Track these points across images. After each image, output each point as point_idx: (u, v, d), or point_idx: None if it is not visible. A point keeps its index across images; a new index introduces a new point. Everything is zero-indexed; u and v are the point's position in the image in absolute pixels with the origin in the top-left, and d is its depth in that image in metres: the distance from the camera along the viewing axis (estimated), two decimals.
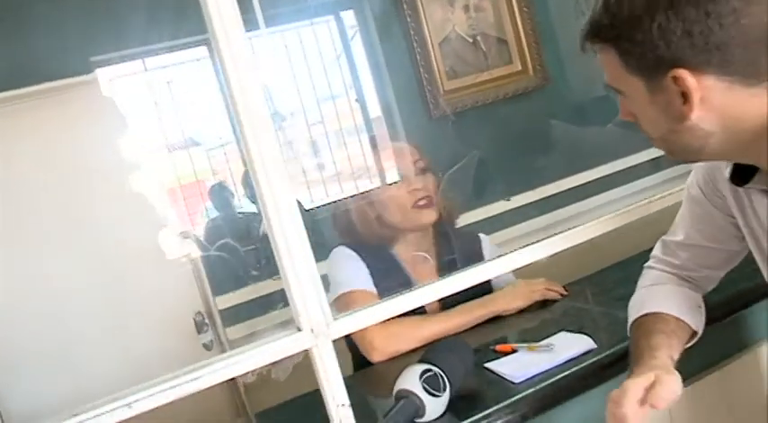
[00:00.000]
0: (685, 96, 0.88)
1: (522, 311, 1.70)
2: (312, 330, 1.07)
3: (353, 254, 1.76)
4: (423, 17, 3.12)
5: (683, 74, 0.86)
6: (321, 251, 2.58)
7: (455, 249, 1.81)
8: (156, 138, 3.35)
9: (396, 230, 1.78)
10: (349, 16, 3.41)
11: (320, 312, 1.08)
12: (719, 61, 0.85)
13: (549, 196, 3.14)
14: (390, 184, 1.96)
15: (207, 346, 2.82)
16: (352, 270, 1.73)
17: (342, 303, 1.67)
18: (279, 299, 2.80)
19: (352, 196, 2.05)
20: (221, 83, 3.21)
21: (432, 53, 3.13)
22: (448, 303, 1.66)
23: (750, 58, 0.85)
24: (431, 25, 3.14)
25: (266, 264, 3.20)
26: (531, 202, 3.10)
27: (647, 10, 0.86)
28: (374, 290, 1.68)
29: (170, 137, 3.46)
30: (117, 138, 2.75)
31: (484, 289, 1.75)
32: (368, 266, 1.74)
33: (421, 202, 1.75)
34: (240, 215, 3.51)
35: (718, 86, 0.87)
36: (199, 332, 2.83)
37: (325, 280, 1.72)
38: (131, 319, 2.66)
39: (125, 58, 3.00)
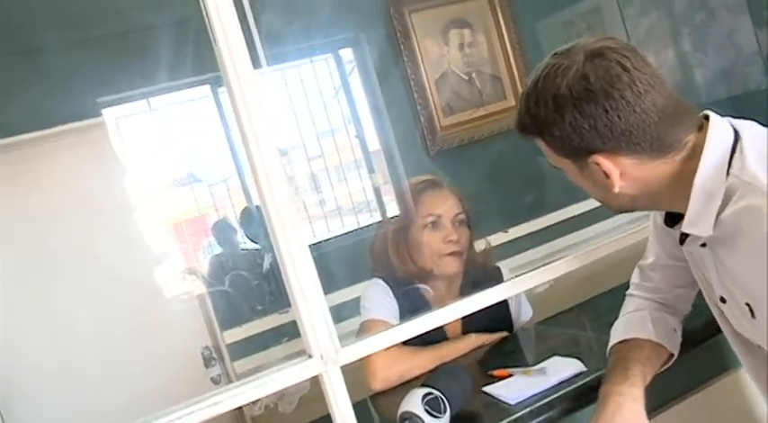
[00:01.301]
0: (607, 174, 1.05)
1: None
2: (322, 357, 1.16)
3: (386, 287, 1.84)
4: (419, 55, 3.25)
5: (600, 159, 1.04)
6: (325, 284, 2.67)
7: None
8: (159, 175, 3.44)
9: (425, 272, 1.84)
10: (347, 54, 3.53)
11: (329, 340, 1.16)
12: (627, 145, 1.02)
13: (546, 228, 3.23)
14: (392, 218, 2.04)
15: (215, 380, 2.88)
16: (380, 300, 1.82)
17: (364, 329, 1.76)
18: (285, 332, 2.87)
19: (378, 225, 2.10)
20: (224, 120, 3.32)
21: (428, 90, 3.25)
22: (469, 328, 1.80)
23: (652, 137, 1.02)
24: (427, 63, 3.26)
25: (271, 298, 3.28)
26: (527, 234, 3.19)
27: (558, 111, 1.02)
28: (396, 322, 1.75)
29: (173, 173, 3.55)
30: (123, 176, 2.84)
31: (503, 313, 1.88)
32: (398, 302, 1.82)
33: (451, 252, 1.82)
34: (243, 251, 3.58)
35: (632, 163, 1.04)
36: (206, 366, 2.89)
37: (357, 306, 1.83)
38: (139, 354, 2.71)
39: (130, 98, 3.09)
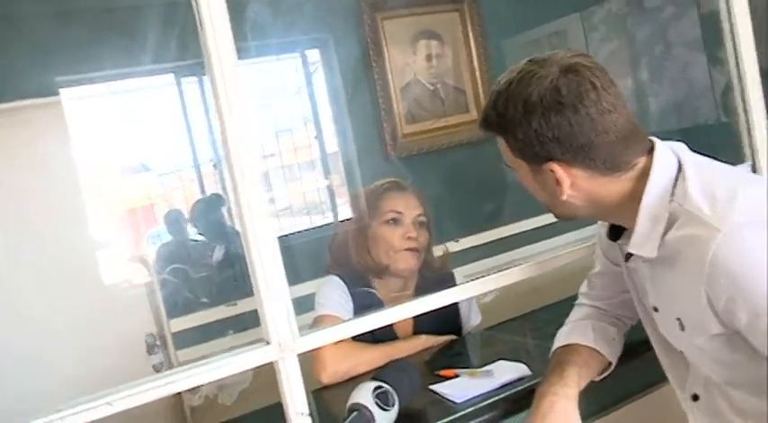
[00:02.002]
0: (558, 182, 1.11)
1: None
2: (279, 344, 1.18)
3: (342, 284, 1.88)
4: (387, 62, 3.29)
5: (555, 167, 1.11)
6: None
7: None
8: (111, 161, 3.40)
9: (381, 267, 1.89)
10: (314, 55, 3.55)
11: (288, 328, 1.19)
12: (583, 158, 1.09)
13: (496, 240, 3.30)
14: (343, 221, 2.08)
15: (156, 368, 2.86)
16: (335, 297, 1.86)
17: (317, 324, 1.79)
18: (231, 325, 2.88)
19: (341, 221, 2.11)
20: (185, 111, 3.31)
21: (393, 97, 3.30)
22: (420, 329, 1.86)
23: (606, 155, 1.09)
24: (394, 70, 3.31)
25: (218, 290, 3.27)
26: (478, 245, 3.25)
27: (525, 116, 1.08)
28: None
29: (125, 160, 3.51)
30: (75, 159, 2.80)
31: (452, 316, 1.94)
32: (352, 299, 1.86)
33: (409, 248, 1.87)
34: (194, 242, 3.57)
35: (584, 175, 1.11)
36: (149, 353, 2.87)
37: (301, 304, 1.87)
38: (80, 338, 2.68)
39: (90, 79, 3.05)
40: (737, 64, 1.76)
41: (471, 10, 3.49)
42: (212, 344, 2.88)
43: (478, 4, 3.51)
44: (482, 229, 3.27)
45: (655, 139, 1.15)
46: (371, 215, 1.90)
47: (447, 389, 1.43)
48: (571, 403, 1.22)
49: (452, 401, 1.38)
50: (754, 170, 1.81)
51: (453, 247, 3.14)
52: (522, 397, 1.37)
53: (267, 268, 1.16)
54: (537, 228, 3.27)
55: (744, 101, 1.78)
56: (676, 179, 1.09)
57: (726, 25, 1.75)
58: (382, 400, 1.27)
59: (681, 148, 1.15)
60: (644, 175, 1.10)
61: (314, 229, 3.73)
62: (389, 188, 1.94)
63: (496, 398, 1.38)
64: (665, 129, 3.57)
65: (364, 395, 1.27)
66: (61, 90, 2.83)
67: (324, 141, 3.65)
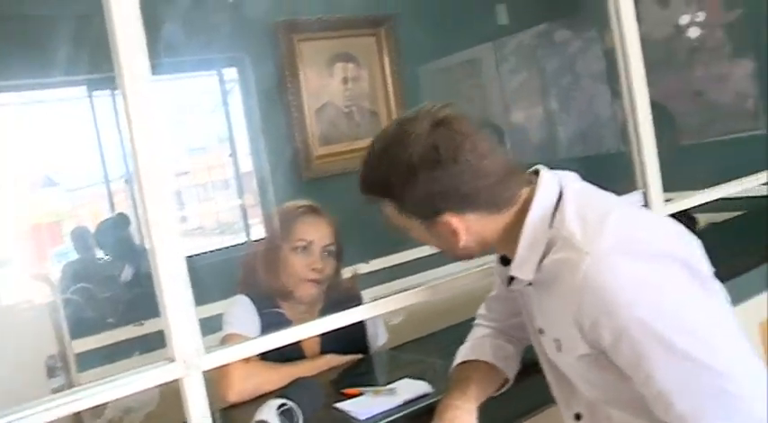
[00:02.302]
0: (454, 232, 1.16)
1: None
2: (184, 361, 1.19)
3: (250, 303, 1.88)
4: (302, 84, 3.33)
5: (448, 218, 1.15)
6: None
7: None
8: (16, 173, 3.30)
9: (286, 291, 1.89)
10: (232, 73, 3.55)
11: (193, 345, 1.19)
12: (471, 204, 1.15)
13: (406, 262, 3.35)
14: (257, 241, 2.08)
15: (56, 391, 2.76)
16: (242, 315, 1.85)
17: (225, 342, 1.78)
18: (138, 346, 2.81)
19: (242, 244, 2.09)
20: (96, 125, 3.24)
21: (307, 118, 3.33)
22: (327, 349, 1.87)
23: (492, 196, 1.15)
24: (309, 92, 3.35)
25: (125, 310, 3.20)
26: (388, 267, 3.29)
27: (410, 177, 1.12)
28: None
29: (32, 174, 3.41)
30: None
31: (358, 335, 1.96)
32: (261, 318, 1.86)
33: (312, 279, 1.87)
34: (100, 260, 3.49)
35: (475, 219, 1.16)
36: (50, 377, 2.78)
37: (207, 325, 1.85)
38: None
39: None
40: (630, 97, 1.87)
41: (388, 35, 3.57)
42: (117, 365, 2.81)
43: (395, 30, 3.60)
44: (392, 250, 3.32)
45: (543, 169, 1.20)
46: (283, 237, 1.90)
47: (351, 407, 1.46)
48: (471, 416, 1.26)
49: (356, 419, 1.41)
50: (646, 198, 1.92)
51: (364, 268, 3.18)
52: (423, 413, 1.40)
53: (173, 285, 1.17)
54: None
55: (636, 132, 1.89)
56: (556, 206, 1.14)
57: (620, 61, 1.87)
58: (287, 416, 1.29)
59: (569, 177, 1.20)
60: (527, 204, 1.16)
61: (226, 248, 3.71)
62: (304, 213, 1.94)
63: (399, 415, 1.41)
64: (573, 156, 3.73)
65: (268, 412, 1.29)
66: None
67: (238, 161, 3.64)
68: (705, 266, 1.11)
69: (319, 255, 1.88)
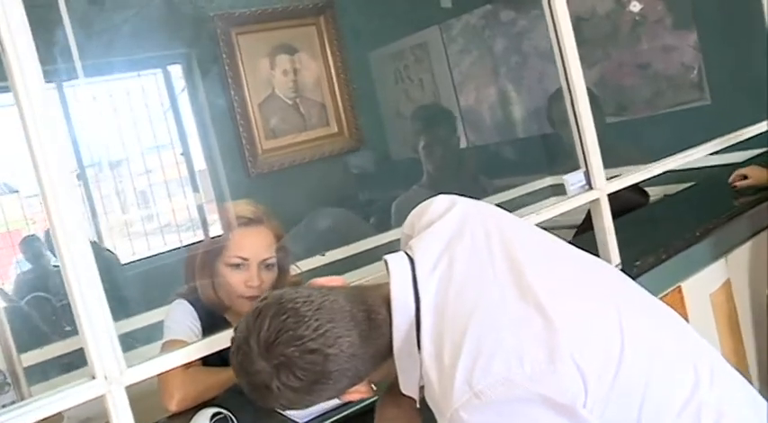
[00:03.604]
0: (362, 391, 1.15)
1: None
2: (106, 377, 1.14)
3: (190, 308, 1.81)
4: (243, 78, 3.28)
5: (348, 396, 1.14)
6: (141, 304, 2.59)
7: None
8: None
9: (224, 306, 1.82)
10: (177, 70, 3.48)
11: (114, 360, 1.15)
12: (359, 377, 1.09)
13: (363, 252, 3.32)
14: (215, 238, 2.01)
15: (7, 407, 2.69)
16: (181, 321, 1.79)
17: (165, 349, 1.73)
18: None
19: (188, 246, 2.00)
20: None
21: (251, 113, 3.29)
22: None
23: (371, 359, 1.08)
24: (252, 86, 3.30)
25: None
26: (344, 258, 3.26)
27: (301, 400, 1.08)
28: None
29: None
30: None
31: None
32: (202, 324, 1.79)
33: (249, 296, 1.76)
34: (55, 268, 3.41)
35: (376, 374, 1.13)
36: None
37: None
38: None
39: None
40: (567, 78, 1.85)
41: (328, 23, 3.53)
42: (75, 374, 2.75)
43: (335, 18, 3.56)
44: (349, 240, 3.29)
45: (390, 264, 1.12)
46: (218, 250, 1.80)
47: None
48: (414, 411, 1.23)
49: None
50: (588, 177, 1.91)
51: (320, 261, 3.15)
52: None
53: (87, 300, 1.12)
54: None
55: (575, 112, 1.87)
56: (418, 327, 1.06)
57: (554, 43, 1.85)
58: None
59: (422, 259, 1.11)
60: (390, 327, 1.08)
61: (184, 247, 3.65)
62: (242, 225, 1.83)
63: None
64: (529, 134, 3.72)
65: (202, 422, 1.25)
66: None
67: (191, 158, 3.58)
68: (574, 389, 0.96)
69: (256, 270, 1.78)
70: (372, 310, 1.09)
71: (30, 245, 3.44)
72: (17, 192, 3.51)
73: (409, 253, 1.14)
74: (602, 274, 1.22)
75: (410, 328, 1.06)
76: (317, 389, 1.05)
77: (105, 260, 3.21)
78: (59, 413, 1.17)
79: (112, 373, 1.15)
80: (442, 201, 1.24)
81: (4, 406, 2.65)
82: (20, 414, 1.11)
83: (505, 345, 0.98)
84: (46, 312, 3.16)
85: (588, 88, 1.89)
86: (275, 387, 1.03)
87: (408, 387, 1.11)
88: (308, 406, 1.12)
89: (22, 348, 2.74)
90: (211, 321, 1.79)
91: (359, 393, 1.13)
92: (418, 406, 1.13)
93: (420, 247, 1.13)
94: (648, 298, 1.19)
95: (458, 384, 0.97)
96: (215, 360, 1.52)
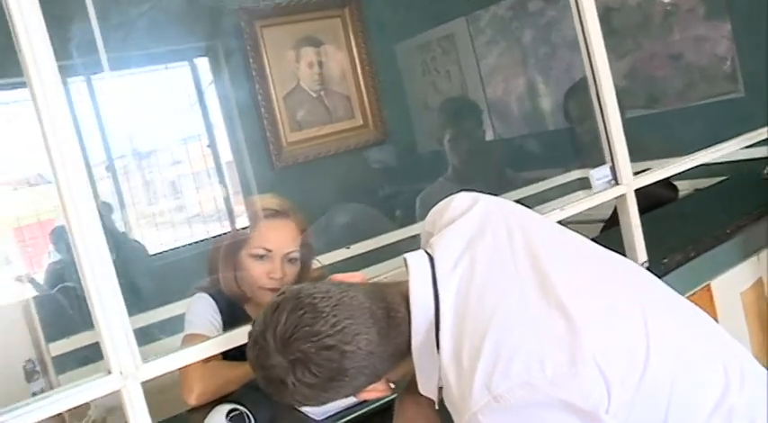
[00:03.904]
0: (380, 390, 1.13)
1: None
2: (121, 373, 1.14)
3: (211, 302, 1.81)
4: (268, 71, 3.28)
5: (366, 395, 1.12)
6: (168, 295, 2.61)
7: None
8: (5, 174, 3.26)
9: (245, 297, 1.82)
10: (203, 63, 3.50)
11: (129, 355, 1.15)
12: (377, 375, 1.08)
13: (388, 245, 3.30)
14: (241, 229, 2.01)
15: (37, 395, 2.73)
16: (203, 315, 1.79)
17: (185, 343, 1.73)
18: None
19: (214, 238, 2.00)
20: (76, 120, 3.18)
21: (275, 105, 3.28)
22: None
23: (390, 357, 1.07)
24: (276, 78, 3.29)
25: None
26: (369, 251, 3.25)
27: (321, 392, 1.05)
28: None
29: (13, 174, 3.37)
30: None
31: None
32: (223, 318, 1.79)
33: (270, 288, 1.76)
34: None
35: (394, 372, 1.12)
36: (29, 381, 2.74)
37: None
38: None
39: None
40: (592, 71, 1.81)
41: (353, 15, 3.51)
42: (98, 365, 2.77)
43: (360, 10, 3.54)
44: (373, 234, 3.28)
45: (409, 262, 1.10)
46: (243, 240, 1.80)
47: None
48: (433, 410, 1.21)
49: (313, 419, 1.37)
50: (614, 172, 1.87)
51: (345, 253, 3.15)
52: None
53: (103, 296, 1.12)
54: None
55: (601, 105, 1.83)
56: (437, 327, 1.04)
57: (580, 36, 1.81)
58: (237, 422, 1.25)
59: (442, 258, 1.09)
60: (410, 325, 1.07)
61: (210, 238, 3.66)
62: (268, 217, 1.82)
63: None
64: (557, 127, 3.67)
65: (218, 419, 1.26)
66: None
67: (218, 150, 3.60)
68: (597, 394, 0.93)
69: (280, 263, 1.77)
70: (392, 308, 1.07)
71: (60, 235, 3.48)
72: (50, 182, 3.54)
73: (429, 251, 1.12)
74: (627, 272, 1.19)
75: (429, 328, 1.04)
76: (332, 386, 1.03)
77: (133, 250, 3.24)
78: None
79: (128, 368, 1.15)
80: (463, 198, 1.22)
81: (34, 393, 2.70)
82: (38, 408, 1.12)
83: (526, 347, 0.95)
84: (74, 302, 3.20)
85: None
86: (290, 382, 1.01)
87: (427, 388, 1.09)
88: (324, 403, 1.10)
89: (51, 338, 2.80)
90: (233, 315, 1.79)
91: (376, 392, 1.11)
92: (437, 407, 1.11)
93: (440, 246, 1.11)
94: (675, 297, 1.16)
95: (476, 387, 0.95)
96: (235, 354, 1.52)
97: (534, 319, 0.99)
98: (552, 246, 1.13)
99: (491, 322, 0.98)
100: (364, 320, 1.03)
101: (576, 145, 2.77)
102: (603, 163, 1.90)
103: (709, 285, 2.03)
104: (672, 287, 1.16)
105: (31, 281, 3.28)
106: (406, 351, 1.07)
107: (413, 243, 3.25)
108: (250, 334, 1.08)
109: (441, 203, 1.25)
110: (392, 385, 1.14)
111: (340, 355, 1.00)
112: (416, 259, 1.10)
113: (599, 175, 1.86)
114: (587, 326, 0.96)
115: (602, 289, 1.08)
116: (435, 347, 1.04)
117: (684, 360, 1.01)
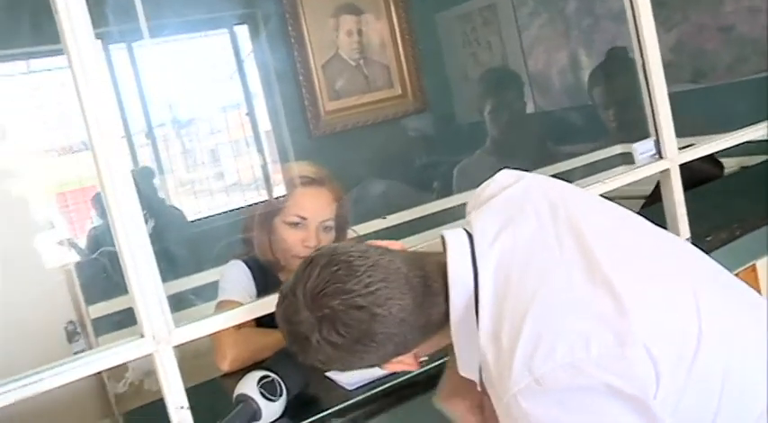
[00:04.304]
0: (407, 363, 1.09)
1: None
2: (154, 337, 1.15)
3: (246, 269, 1.81)
4: (307, 39, 3.25)
5: (390, 366, 1.08)
6: (205, 262, 2.63)
7: None
8: (40, 141, 3.30)
9: (279, 266, 1.81)
10: (243, 31, 3.49)
11: (162, 320, 1.15)
12: (406, 347, 1.04)
13: (425, 216, 3.28)
14: (278, 198, 2.00)
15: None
16: (236, 280, 1.79)
17: (218, 309, 1.74)
18: None
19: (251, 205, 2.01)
20: (117, 87, 3.21)
21: (314, 74, 3.26)
22: None
23: (422, 329, 1.03)
24: (315, 46, 3.27)
25: None
26: (406, 221, 3.23)
27: (347, 357, 1.02)
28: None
29: (57, 140, 3.41)
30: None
31: None
32: (256, 285, 1.79)
33: (304, 256, 1.76)
34: None
35: (424, 346, 1.07)
36: (70, 341, 2.81)
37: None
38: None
39: (6, 57, 2.95)
40: (639, 42, 1.76)
41: None
42: (135, 329, 2.82)
43: None
44: (410, 205, 3.26)
45: (447, 239, 1.05)
46: (279, 208, 1.80)
47: (341, 375, 1.41)
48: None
49: (345, 388, 1.36)
50: (659, 146, 1.82)
51: (381, 224, 3.14)
52: (415, 383, 1.35)
53: (137, 261, 1.12)
54: (464, 203, 3.26)
55: (646, 77, 1.78)
56: (477, 304, 1.00)
57: (627, 6, 1.75)
58: (268, 390, 1.25)
59: (481, 234, 1.04)
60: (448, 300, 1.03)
61: (248, 206, 3.68)
62: (304, 184, 1.81)
63: (389, 384, 1.36)
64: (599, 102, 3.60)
65: (249, 385, 1.25)
66: None
67: (256, 119, 3.60)
68: (645, 378, 0.88)
69: (315, 231, 1.76)
70: (429, 277, 1.03)
71: (101, 201, 3.52)
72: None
73: (468, 229, 1.07)
74: (676, 249, 1.13)
75: (468, 305, 1.00)
76: (358, 349, 0.99)
77: (173, 217, 3.27)
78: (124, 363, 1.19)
79: (160, 332, 1.15)
80: (505, 175, 1.17)
81: (75, 353, 2.76)
82: (74, 367, 1.13)
83: (570, 327, 0.91)
84: (114, 267, 3.25)
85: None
86: (315, 340, 0.98)
87: (467, 368, 1.05)
88: (348, 369, 1.07)
89: (91, 300, 2.86)
90: (266, 283, 1.79)
91: (403, 365, 1.08)
92: (479, 389, 1.06)
93: (479, 221, 1.07)
94: (726, 275, 1.09)
95: (516, 368, 0.90)
96: (268, 321, 1.52)
97: (579, 299, 0.94)
98: (597, 221, 1.08)
99: (533, 301, 0.94)
100: (399, 286, 0.99)
101: (626, 116, 2.71)
102: (646, 137, 1.85)
103: (754, 265, 1.98)
104: None
105: (73, 245, 3.33)
106: (438, 324, 1.03)
107: (450, 214, 3.24)
108: (281, 290, 1.05)
109: (484, 183, 1.20)
110: (423, 359, 1.11)
111: (370, 316, 0.97)
112: (455, 236, 1.06)
113: (642, 148, 1.81)
114: (635, 305, 0.91)
115: (650, 265, 1.03)
116: (475, 325, 0.99)
117: (738, 340, 0.96)
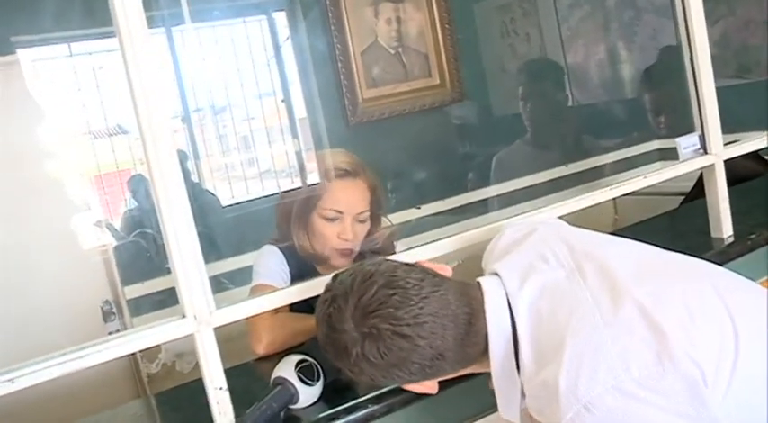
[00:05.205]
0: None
1: None
2: (195, 317, 1.16)
3: (280, 254, 1.82)
4: (346, 26, 3.24)
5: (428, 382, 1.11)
6: (238, 247, 2.65)
7: None
8: (78, 124, 3.34)
9: (318, 257, 1.81)
10: (281, 17, 3.49)
11: (204, 301, 1.16)
12: (442, 372, 1.08)
13: (460, 206, 3.27)
14: (312, 185, 2.01)
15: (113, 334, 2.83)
16: (271, 265, 1.80)
17: (253, 293, 1.74)
18: None
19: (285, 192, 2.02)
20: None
21: (353, 61, 3.26)
22: None
23: (461, 358, 1.06)
24: (354, 34, 3.26)
25: None
26: (441, 212, 3.22)
27: (383, 376, 1.06)
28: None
29: (94, 124, 3.45)
30: (35, 122, 2.74)
31: None
32: (290, 269, 1.80)
33: (341, 249, 1.77)
34: None
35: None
36: (105, 321, 2.85)
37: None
38: (35, 305, 2.65)
39: (49, 40, 2.98)
40: (688, 34, 1.73)
41: None
42: (169, 311, 2.85)
43: None
44: (445, 195, 3.24)
45: (484, 286, 1.09)
46: (314, 200, 1.79)
47: (356, 377, 1.40)
48: None
49: None
50: (703, 141, 1.79)
51: (415, 213, 3.13)
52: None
53: (182, 242, 1.13)
54: (500, 194, 3.25)
55: (693, 69, 1.75)
56: (516, 346, 1.04)
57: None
58: (306, 374, 1.25)
59: (511, 282, 1.08)
60: (487, 341, 1.06)
61: (282, 193, 3.69)
62: (338, 176, 1.80)
63: None
64: (639, 95, 3.55)
65: (287, 369, 1.25)
66: (18, 51, 2.76)
67: (292, 106, 3.60)
68: (689, 388, 0.90)
69: (350, 224, 1.76)
70: (474, 315, 1.06)
71: (137, 184, 3.56)
72: (128, 133, 3.63)
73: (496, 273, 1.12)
74: (686, 258, 1.18)
75: (508, 351, 1.05)
76: (392, 372, 1.04)
77: (207, 201, 3.30)
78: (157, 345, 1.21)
79: (202, 313, 1.16)
80: (513, 229, 1.24)
81: (110, 333, 2.80)
82: (113, 346, 1.15)
83: (607, 350, 0.94)
84: (149, 248, 3.28)
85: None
86: (355, 353, 1.02)
87: (509, 412, 1.09)
88: (375, 382, 1.11)
89: (126, 281, 2.89)
90: (300, 269, 1.80)
91: (424, 387, 1.13)
92: None
93: (504, 269, 1.11)
94: (735, 276, 1.13)
95: (563, 398, 0.93)
96: (302, 307, 1.53)
97: (610, 323, 0.97)
98: (613, 250, 1.14)
99: (567, 331, 0.98)
100: (446, 323, 1.03)
101: (667, 112, 2.67)
102: (690, 131, 1.82)
103: None
104: (757, 265, 1.13)
105: (109, 227, 3.37)
106: (470, 360, 1.08)
107: (485, 205, 3.21)
108: (328, 289, 1.08)
109: (491, 242, 1.27)
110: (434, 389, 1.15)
111: (412, 346, 1.01)
112: (490, 282, 1.10)
113: (686, 143, 1.78)
114: (667, 317, 0.94)
115: (670, 275, 1.08)
116: (515, 370, 1.04)
117: None
